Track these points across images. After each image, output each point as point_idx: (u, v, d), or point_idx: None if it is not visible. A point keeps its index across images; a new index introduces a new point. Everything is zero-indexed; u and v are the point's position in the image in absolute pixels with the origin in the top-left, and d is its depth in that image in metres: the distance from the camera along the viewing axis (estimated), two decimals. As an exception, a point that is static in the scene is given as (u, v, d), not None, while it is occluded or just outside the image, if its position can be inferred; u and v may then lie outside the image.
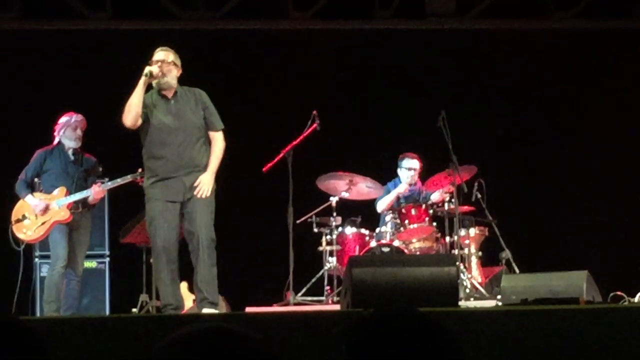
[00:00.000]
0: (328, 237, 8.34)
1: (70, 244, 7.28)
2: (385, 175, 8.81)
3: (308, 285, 8.15)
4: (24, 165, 7.44)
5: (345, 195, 8.41)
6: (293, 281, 7.67)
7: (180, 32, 9.19)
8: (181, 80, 6.58)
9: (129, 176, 7.31)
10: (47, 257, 7.63)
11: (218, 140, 6.53)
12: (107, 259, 8.53)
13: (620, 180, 9.46)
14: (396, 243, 8.20)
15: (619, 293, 6.82)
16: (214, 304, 6.27)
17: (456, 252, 7.92)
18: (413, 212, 8.39)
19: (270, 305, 7.68)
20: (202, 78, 6.78)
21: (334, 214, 8.32)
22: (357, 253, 8.19)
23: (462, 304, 6.78)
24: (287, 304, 7.66)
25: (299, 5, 9.60)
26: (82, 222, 7.41)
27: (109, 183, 7.44)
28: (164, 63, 6.46)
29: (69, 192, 7.33)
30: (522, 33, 9.78)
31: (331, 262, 8.23)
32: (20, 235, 7.35)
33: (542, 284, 6.23)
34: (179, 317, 5.71)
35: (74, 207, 7.32)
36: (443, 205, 8.36)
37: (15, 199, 7.39)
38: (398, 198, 8.72)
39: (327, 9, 9.63)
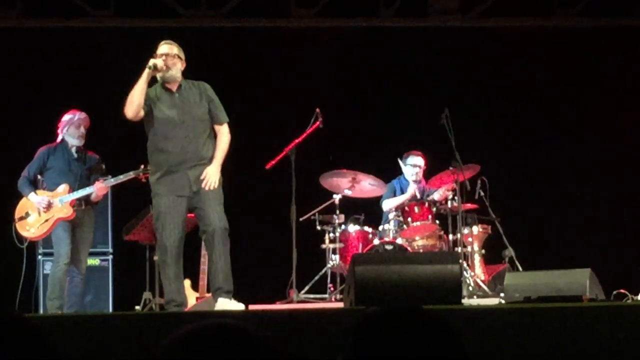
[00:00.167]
0: (331, 234, 8.34)
1: (73, 241, 7.27)
2: (388, 173, 8.80)
3: (311, 283, 8.14)
4: (26, 163, 7.43)
5: (348, 192, 8.41)
6: (296, 279, 7.68)
7: (183, 30, 9.17)
8: (184, 77, 6.57)
9: (131, 173, 7.28)
10: (51, 254, 7.61)
11: (224, 134, 6.52)
12: (110, 257, 8.50)
13: (624, 178, 9.45)
14: (399, 241, 8.21)
15: (621, 291, 6.82)
16: (229, 293, 6.24)
17: (459, 249, 7.91)
18: (416, 209, 8.39)
19: (273, 302, 7.67)
20: (205, 76, 6.76)
21: (337, 211, 8.32)
22: (360, 251, 8.19)
23: (465, 301, 6.77)
24: (290, 302, 7.65)
25: (302, 3, 9.61)
26: (85, 219, 7.40)
27: (112, 180, 7.42)
28: (168, 56, 6.44)
29: (72, 190, 7.32)
30: (525, 31, 9.76)
31: (334, 259, 8.23)
32: (23, 233, 7.34)
33: (545, 282, 6.22)
34: (182, 315, 5.72)
35: (76, 204, 7.31)
36: (446, 203, 8.36)
37: (18, 196, 7.38)
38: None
39: (329, 7, 9.63)
